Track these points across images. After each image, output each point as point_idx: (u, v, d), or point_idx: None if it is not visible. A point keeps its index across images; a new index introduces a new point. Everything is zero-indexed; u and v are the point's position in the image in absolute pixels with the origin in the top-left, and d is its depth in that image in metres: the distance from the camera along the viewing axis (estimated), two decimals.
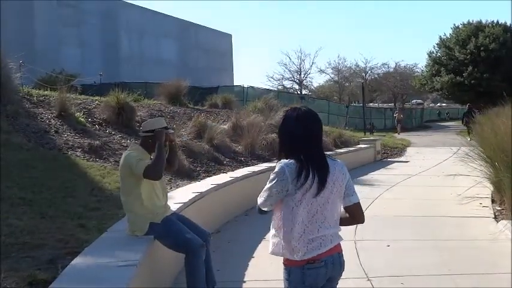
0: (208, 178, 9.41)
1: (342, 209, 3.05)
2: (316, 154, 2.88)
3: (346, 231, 8.14)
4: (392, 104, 61.67)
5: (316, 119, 2.93)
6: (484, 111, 13.98)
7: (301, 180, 2.79)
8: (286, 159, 2.88)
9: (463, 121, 27.13)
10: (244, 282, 5.62)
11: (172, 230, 4.69)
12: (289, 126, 2.90)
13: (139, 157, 4.68)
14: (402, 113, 37.23)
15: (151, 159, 4.72)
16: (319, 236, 2.92)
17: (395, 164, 17.09)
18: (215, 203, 7.92)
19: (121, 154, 9.48)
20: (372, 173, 14.56)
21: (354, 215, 3.09)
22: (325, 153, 2.98)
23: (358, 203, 3.06)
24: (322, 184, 2.83)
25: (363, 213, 3.13)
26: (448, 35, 45.61)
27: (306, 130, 2.86)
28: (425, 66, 48.22)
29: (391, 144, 22.22)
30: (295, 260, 3.01)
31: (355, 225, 7.92)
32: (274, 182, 2.93)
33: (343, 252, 3.15)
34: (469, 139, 22.67)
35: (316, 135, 2.92)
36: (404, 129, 34.61)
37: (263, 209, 3.19)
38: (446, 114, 62.69)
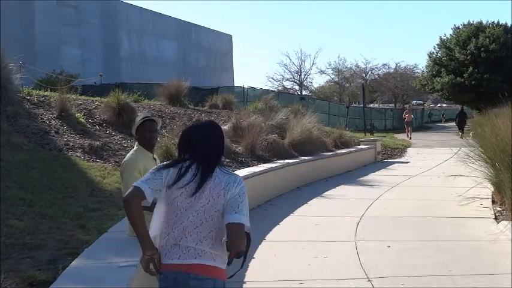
0: None
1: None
2: (200, 159, 2.76)
3: (346, 232, 8.17)
4: (393, 104, 61.69)
5: (206, 127, 2.89)
6: (484, 111, 13.97)
7: (177, 178, 2.70)
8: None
9: (456, 121, 31.11)
10: (245, 282, 5.62)
11: None
12: (190, 133, 2.88)
13: (137, 166, 4.54)
14: (412, 114, 33.23)
15: (154, 158, 4.72)
16: (180, 244, 2.67)
17: (396, 164, 17.09)
18: None
19: (121, 155, 9.51)
20: (373, 173, 14.56)
21: (229, 236, 2.60)
22: (222, 167, 2.82)
23: (238, 224, 2.60)
24: (196, 188, 2.67)
25: (240, 239, 2.60)
26: (448, 36, 45.60)
27: (200, 137, 2.83)
28: (426, 67, 48.19)
29: (391, 145, 22.21)
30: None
31: (355, 226, 8.01)
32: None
33: (209, 279, 2.67)
34: (460, 137, 25.82)
35: (206, 144, 2.81)
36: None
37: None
38: (443, 115, 62.16)
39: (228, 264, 2.78)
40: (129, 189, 2.73)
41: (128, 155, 4.82)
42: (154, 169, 2.82)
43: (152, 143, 4.75)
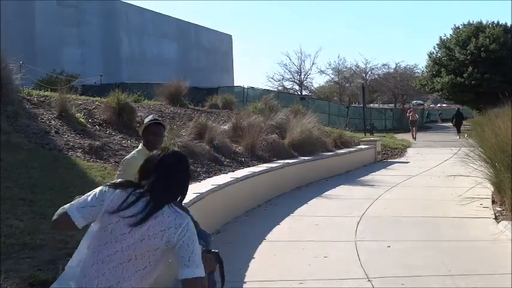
0: (208, 179, 9.42)
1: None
2: (154, 194, 2.48)
3: (346, 232, 8.17)
4: (393, 104, 61.67)
5: (172, 161, 2.60)
6: (484, 111, 13.98)
7: (120, 207, 2.46)
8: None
9: (452, 121, 32.07)
10: (245, 283, 5.62)
11: None
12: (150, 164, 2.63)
13: (136, 166, 4.58)
14: (416, 113, 32.27)
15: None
16: (99, 279, 2.40)
17: (396, 164, 17.10)
18: (215, 203, 7.92)
19: (121, 155, 9.51)
20: (373, 173, 14.56)
21: None
22: (173, 205, 2.51)
23: (194, 280, 2.35)
24: (135, 223, 2.40)
25: None
26: (448, 36, 45.62)
27: (158, 168, 2.57)
28: (426, 67, 48.21)
29: (391, 145, 22.22)
30: None
31: (355, 226, 8.02)
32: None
33: None
34: (458, 137, 26.56)
35: (163, 178, 2.54)
36: (407, 130, 33.84)
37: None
38: (439, 115, 61.90)
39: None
40: (58, 211, 2.54)
41: (130, 153, 4.87)
42: (99, 190, 2.56)
43: (155, 147, 4.77)
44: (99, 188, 2.58)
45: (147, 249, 2.38)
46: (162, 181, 2.52)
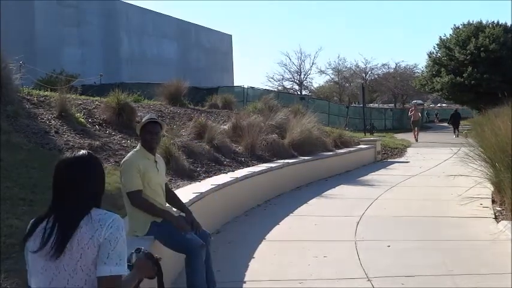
0: (208, 178, 9.42)
1: None
2: (61, 209, 2.34)
3: (346, 231, 8.17)
4: (393, 104, 61.67)
5: (74, 165, 2.42)
6: (484, 111, 13.98)
7: (38, 240, 2.31)
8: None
9: (449, 121, 33.04)
10: (245, 282, 5.62)
11: (173, 231, 4.69)
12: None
13: (135, 165, 4.66)
14: (418, 112, 29.76)
15: (155, 161, 4.78)
16: None
17: (396, 164, 17.09)
18: (215, 203, 7.93)
19: (121, 154, 9.51)
20: (372, 173, 14.56)
21: None
22: (96, 209, 2.39)
23: (107, 278, 2.25)
24: (58, 246, 2.27)
25: None
26: (448, 36, 45.65)
27: (56, 179, 2.41)
28: (426, 67, 48.27)
29: (391, 145, 22.22)
30: None
31: (355, 226, 8.02)
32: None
33: None
34: (454, 136, 27.57)
35: (70, 186, 2.37)
36: (406, 130, 33.82)
37: None
38: (436, 115, 61.79)
39: None
40: None
41: (128, 154, 4.87)
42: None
43: (151, 145, 4.77)
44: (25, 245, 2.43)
45: (90, 262, 2.28)
46: (60, 199, 2.36)
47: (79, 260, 2.27)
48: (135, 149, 4.93)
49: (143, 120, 4.82)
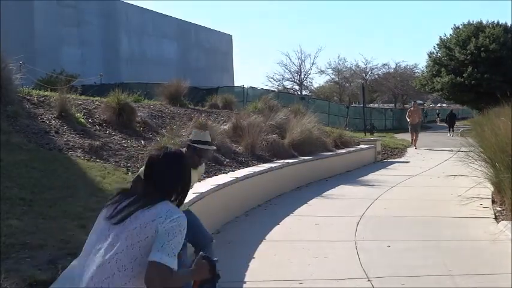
0: (208, 178, 9.41)
1: None
2: (143, 194, 2.57)
3: (346, 232, 8.16)
4: (393, 104, 61.66)
5: (161, 161, 2.64)
6: (484, 111, 13.99)
7: (109, 203, 2.60)
8: None
9: (446, 120, 34.07)
10: (245, 282, 5.62)
11: (191, 222, 4.81)
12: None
13: None
14: (419, 112, 24.54)
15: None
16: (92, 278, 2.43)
17: (396, 164, 17.09)
18: (215, 203, 7.93)
19: (121, 154, 9.52)
20: (373, 173, 14.56)
21: (146, 273, 2.37)
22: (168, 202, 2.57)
23: (156, 263, 2.36)
24: (120, 219, 2.47)
25: (153, 277, 2.35)
26: (448, 36, 45.65)
27: (147, 167, 2.67)
28: (426, 67, 48.26)
29: (391, 145, 22.21)
30: None
31: (355, 226, 8.02)
32: None
33: None
34: (450, 135, 27.94)
35: (151, 174, 2.63)
36: (407, 130, 33.43)
37: None
38: (438, 115, 61.62)
39: None
40: None
41: None
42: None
43: (195, 167, 4.88)
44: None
45: (138, 239, 2.41)
46: (148, 179, 2.62)
47: (131, 237, 2.42)
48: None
49: (204, 139, 4.91)
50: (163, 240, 2.38)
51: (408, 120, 22.82)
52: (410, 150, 21.56)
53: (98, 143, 9.67)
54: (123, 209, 2.49)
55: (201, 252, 2.69)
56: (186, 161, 2.71)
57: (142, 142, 10.62)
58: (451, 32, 45.83)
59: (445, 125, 35.93)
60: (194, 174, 4.87)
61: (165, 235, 2.40)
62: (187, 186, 2.71)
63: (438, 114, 60.73)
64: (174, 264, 2.39)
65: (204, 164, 5.23)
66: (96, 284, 2.39)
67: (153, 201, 2.49)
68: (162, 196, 2.54)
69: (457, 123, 34.61)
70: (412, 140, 22.83)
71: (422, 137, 28.91)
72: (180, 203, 2.67)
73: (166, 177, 2.61)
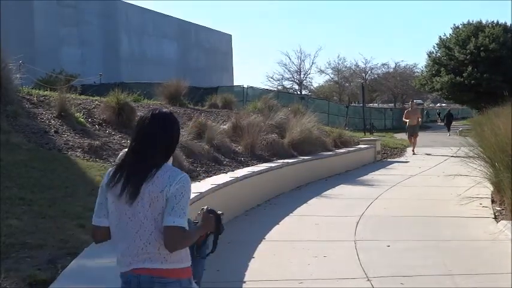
0: (208, 178, 9.42)
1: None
2: (131, 158, 2.62)
3: (346, 231, 8.16)
4: (392, 104, 61.65)
5: (149, 120, 2.63)
6: (484, 111, 13.99)
7: (112, 184, 2.60)
8: None
9: (443, 120, 34.38)
10: (244, 282, 5.62)
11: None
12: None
13: None
14: (418, 113, 21.30)
15: None
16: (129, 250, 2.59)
17: (395, 164, 17.09)
18: (215, 203, 7.92)
19: None
20: (372, 173, 14.55)
21: (163, 238, 2.52)
22: (168, 164, 2.64)
23: (171, 227, 2.49)
24: (132, 193, 2.54)
25: (170, 240, 2.51)
26: (448, 35, 45.68)
27: (135, 133, 2.68)
28: (425, 67, 48.30)
29: (391, 145, 22.21)
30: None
31: (355, 225, 8.02)
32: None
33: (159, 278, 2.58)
34: (448, 134, 28.37)
35: (139, 139, 2.63)
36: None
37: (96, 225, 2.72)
38: (439, 114, 61.56)
39: (200, 246, 2.89)
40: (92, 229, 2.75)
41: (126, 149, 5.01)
42: (100, 187, 2.70)
43: None
44: (99, 190, 2.72)
45: (158, 212, 2.53)
46: (136, 152, 2.62)
47: (148, 210, 2.53)
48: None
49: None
50: (172, 204, 2.51)
51: (405, 121, 20.25)
52: (410, 150, 21.53)
53: (97, 142, 9.67)
54: (129, 186, 2.55)
55: (206, 206, 2.80)
56: (176, 119, 2.72)
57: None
58: (450, 31, 45.91)
59: (441, 124, 36.99)
60: None
61: (173, 198, 2.52)
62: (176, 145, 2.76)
63: (439, 114, 60.66)
64: (185, 223, 2.53)
65: None
66: (134, 260, 2.57)
67: (154, 166, 2.56)
68: (161, 158, 2.60)
69: (457, 122, 34.88)
70: (410, 142, 20.41)
71: (422, 136, 28.89)
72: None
73: (163, 137, 2.63)
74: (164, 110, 2.76)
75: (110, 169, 2.71)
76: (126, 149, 4.82)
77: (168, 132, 2.65)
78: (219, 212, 2.77)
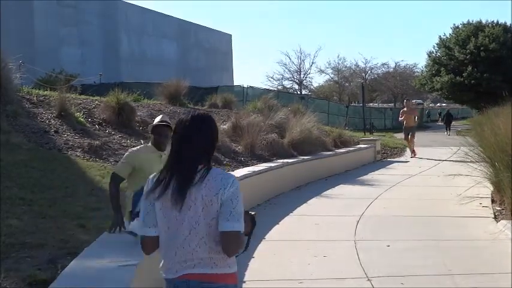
0: None
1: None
2: (178, 162, 2.55)
3: (346, 231, 8.15)
4: (392, 104, 61.64)
5: (189, 122, 2.59)
6: (484, 111, 13.98)
7: (158, 189, 2.53)
8: None
9: (442, 120, 34.93)
10: (244, 282, 5.62)
11: None
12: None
13: (133, 159, 4.98)
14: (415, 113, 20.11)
15: (159, 155, 4.96)
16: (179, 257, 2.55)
17: (395, 164, 17.08)
18: None
19: (121, 154, 9.50)
20: (372, 173, 14.55)
21: (221, 244, 2.50)
22: (215, 167, 2.63)
23: (231, 232, 2.49)
24: (178, 197, 2.49)
25: (230, 245, 2.51)
26: (448, 35, 45.68)
27: (175, 136, 2.62)
28: (425, 66, 48.32)
29: (391, 144, 22.21)
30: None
31: (355, 225, 8.01)
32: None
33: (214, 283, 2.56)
34: (447, 134, 28.52)
35: (184, 140, 2.57)
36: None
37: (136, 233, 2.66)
38: (439, 114, 61.51)
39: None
40: (140, 240, 2.63)
41: (137, 146, 5.30)
42: (144, 198, 2.60)
43: (160, 147, 5.03)
44: (143, 195, 2.62)
45: (212, 216, 2.50)
46: (188, 148, 2.56)
47: (201, 214, 2.49)
48: (144, 143, 5.44)
49: (155, 121, 5.07)
50: (229, 209, 2.49)
51: (401, 120, 18.99)
52: (410, 152, 21.51)
53: (97, 142, 9.68)
54: (179, 191, 2.49)
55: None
56: (214, 121, 2.70)
57: (142, 141, 10.61)
58: (450, 31, 45.94)
59: (442, 124, 37.35)
60: (157, 162, 4.90)
61: (229, 202, 2.50)
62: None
63: (440, 114, 60.67)
64: (242, 227, 2.55)
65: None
66: (182, 266, 2.52)
67: (197, 169, 2.52)
68: (203, 160, 2.56)
69: (457, 122, 34.99)
70: (408, 144, 19.12)
71: (422, 136, 28.89)
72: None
73: (205, 140, 2.61)
74: (202, 112, 2.72)
75: (151, 175, 2.64)
76: (136, 149, 5.00)
77: (205, 134, 2.61)
78: (253, 213, 2.79)
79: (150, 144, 5.09)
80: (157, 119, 5.07)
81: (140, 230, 2.62)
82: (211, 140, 2.65)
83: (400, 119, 19.15)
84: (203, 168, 2.53)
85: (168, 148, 5.07)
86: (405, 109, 19.36)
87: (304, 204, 9.92)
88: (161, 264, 2.61)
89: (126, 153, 5.19)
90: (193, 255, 2.51)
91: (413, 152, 18.51)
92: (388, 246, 6.86)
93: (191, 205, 2.48)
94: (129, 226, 4.83)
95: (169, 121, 5.10)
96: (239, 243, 2.54)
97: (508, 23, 43.66)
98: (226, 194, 2.50)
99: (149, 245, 2.61)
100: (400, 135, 24.47)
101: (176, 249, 2.52)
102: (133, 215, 4.83)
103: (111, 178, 5.09)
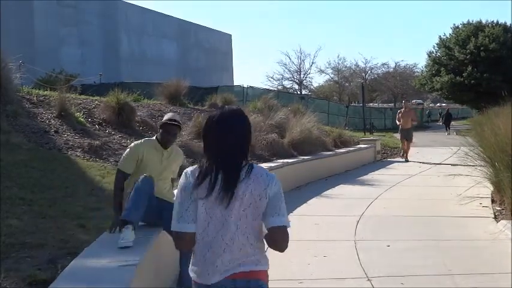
0: None
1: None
2: (224, 159, 2.48)
3: (346, 231, 8.14)
4: (392, 104, 61.63)
5: (232, 120, 2.55)
6: (484, 111, 13.98)
7: (203, 186, 2.45)
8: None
9: (442, 120, 35.03)
10: None
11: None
12: (206, 128, 2.58)
13: (137, 153, 4.98)
14: (413, 114, 19.19)
15: (162, 154, 5.01)
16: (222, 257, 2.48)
17: (395, 164, 17.08)
18: None
19: (121, 154, 9.49)
20: (372, 172, 14.55)
21: (271, 239, 2.52)
22: (254, 163, 2.62)
23: (281, 227, 2.50)
24: (225, 193, 2.43)
25: (282, 240, 2.53)
26: (447, 35, 45.69)
27: (217, 130, 2.54)
28: (425, 66, 48.35)
29: (391, 144, 22.21)
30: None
31: (355, 225, 8.01)
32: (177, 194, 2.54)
33: (258, 281, 2.58)
34: (447, 134, 28.75)
35: (228, 138, 2.51)
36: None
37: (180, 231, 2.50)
38: (440, 114, 61.47)
39: None
40: (173, 235, 2.54)
41: (142, 139, 5.27)
42: (182, 191, 2.50)
43: (166, 145, 5.06)
44: (180, 190, 2.53)
45: (259, 212, 2.49)
46: (222, 152, 2.50)
47: (246, 209, 2.46)
48: (148, 138, 5.40)
49: (165, 118, 5.09)
50: (277, 204, 2.51)
51: (398, 123, 18.15)
52: (410, 150, 21.50)
53: (97, 142, 9.67)
54: (227, 189, 2.44)
55: None
56: (246, 117, 2.62)
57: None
58: (450, 31, 45.96)
59: (441, 124, 37.76)
60: (157, 159, 5.00)
61: (276, 198, 2.52)
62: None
63: (440, 114, 60.68)
64: (289, 223, 2.56)
65: (178, 152, 5.30)
66: (226, 266, 2.46)
67: (247, 167, 2.50)
68: (241, 156, 2.53)
69: (457, 122, 35.04)
70: (403, 148, 18.12)
71: (422, 136, 28.89)
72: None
73: (246, 135, 2.58)
74: (234, 107, 2.69)
75: (187, 170, 2.54)
76: (139, 142, 5.09)
77: (246, 130, 2.58)
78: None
79: (154, 138, 5.12)
80: (167, 116, 5.10)
81: (177, 226, 2.49)
82: (250, 135, 2.64)
83: (397, 123, 18.36)
84: (246, 164, 2.52)
85: (171, 147, 5.15)
86: (403, 110, 18.55)
87: (304, 204, 9.92)
88: (192, 266, 2.53)
89: (129, 147, 5.16)
90: (238, 253, 2.47)
91: (405, 154, 17.81)
92: (388, 246, 6.86)
93: (239, 201, 2.46)
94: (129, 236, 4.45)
95: (179, 120, 5.13)
96: (288, 238, 2.54)
97: (508, 23, 43.73)
98: (273, 190, 2.52)
99: (187, 241, 2.50)
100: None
101: (217, 249, 2.45)
102: (121, 221, 4.61)
103: (116, 175, 5.10)
